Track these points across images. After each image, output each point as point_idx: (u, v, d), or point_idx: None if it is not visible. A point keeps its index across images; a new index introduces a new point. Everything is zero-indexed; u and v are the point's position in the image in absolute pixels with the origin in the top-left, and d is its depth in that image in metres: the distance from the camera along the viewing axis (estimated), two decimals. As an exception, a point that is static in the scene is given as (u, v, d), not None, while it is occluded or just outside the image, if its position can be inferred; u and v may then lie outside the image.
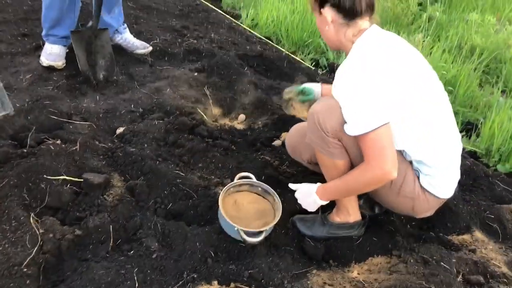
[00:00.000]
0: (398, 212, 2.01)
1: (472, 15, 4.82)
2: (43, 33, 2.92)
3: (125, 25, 3.20)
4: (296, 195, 1.98)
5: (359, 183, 1.75)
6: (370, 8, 1.78)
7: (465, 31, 4.55)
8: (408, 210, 1.90)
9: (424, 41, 4.33)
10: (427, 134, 1.77)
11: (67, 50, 2.94)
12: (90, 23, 2.77)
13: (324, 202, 1.89)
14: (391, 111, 1.67)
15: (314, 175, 2.15)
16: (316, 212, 2.01)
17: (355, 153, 1.78)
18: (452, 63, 3.95)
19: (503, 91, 3.73)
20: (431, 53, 4.07)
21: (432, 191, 1.83)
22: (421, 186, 1.82)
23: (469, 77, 3.76)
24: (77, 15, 2.92)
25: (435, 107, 1.77)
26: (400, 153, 1.80)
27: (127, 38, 3.17)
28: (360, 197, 2.05)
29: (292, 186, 2.00)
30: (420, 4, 5.13)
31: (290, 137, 2.18)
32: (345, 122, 1.71)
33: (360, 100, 1.65)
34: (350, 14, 1.76)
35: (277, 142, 2.51)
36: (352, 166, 1.82)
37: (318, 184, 1.91)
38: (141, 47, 3.18)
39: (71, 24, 2.89)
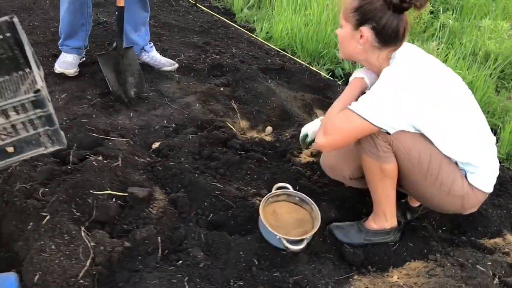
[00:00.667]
0: (445, 211, 2.07)
1: (484, 22, 4.88)
2: (59, 42, 3.11)
3: (152, 43, 3.30)
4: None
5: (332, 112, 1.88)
6: (406, 36, 1.82)
7: (478, 37, 4.62)
8: (457, 208, 1.96)
9: (438, 48, 4.41)
10: (438, 140, 1.84)
11: (83, 59, 3.16)
12: (115, 44, 2.89)
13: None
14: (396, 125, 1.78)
15: (344, 185, 2.22)
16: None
17: (404, 161, 1.84)
18: (467, 69, 4.03)
19: (520, 96, 3.79)
20: (446, 60, 4.14)
21: (480, 187, 1.90)
22: (469, 183, 1.89)
23: (485, 83, 3.83)
24: (89, 28, 3.09)
25: (447, 113, 1.82)
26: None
27: (154, 56, 3.27)
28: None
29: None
30: (431, 12, 5.21)
31: (326, 159, 2.21)
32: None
33: (382, 96, 1.75)
34: (388, 42, 1.80)
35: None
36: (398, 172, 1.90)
37: None
38: (168, 64, 3.28)
39: (84, 36, 3.07)
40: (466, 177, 1.90)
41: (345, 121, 1.78)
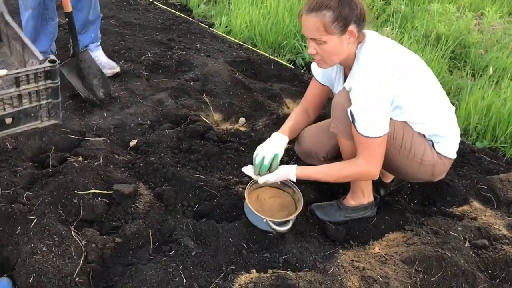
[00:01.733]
0: (417, 180, 2.23)
1: (433, 5, 5.12)
2: None
3: (98, 43, 3.24)
4: (268, 182, 2.07)
5: (343, 172, 2.01)
6: None
7: (429, 21, 4.84)
8: (429, 176, 2.12)
9: (392, 33, 4.59)
10: (408, 120, 1.99)
11: None
12: (72, 51, 2.86)
13: (294, 179, 2.05)
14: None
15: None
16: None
17: None
18: (421, 51, 4.22)
19: (472, 75, 4.02)
20: (401, 44, 4.32)
21: (446, 155, 2.07)
22: (437, 152, 2.05)
23: (439, 63, 4.03)
24: (52, 31, 3.07)
25: (415, 100, 1.95)
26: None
27: (96, 56, 3.18)
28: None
29: (261, 180, 2.04)
30: (382, -1, 5.41)
31: (301, 145, 2.29)
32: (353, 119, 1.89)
33: (377, 107, 1.85)
34: (363, 25, 1.89)
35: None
36: None
37: (295, 166, 2.05)
38: (108, 67, 3.17)
39: (48, 41, 3.06)
40: (433, 147, 2.06)
41: (377, 148, 1.91)
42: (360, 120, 1.86)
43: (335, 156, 2.20)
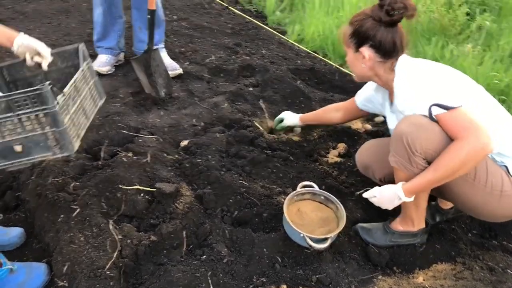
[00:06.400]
0: (498, 219, 1.91)
1: (525, 22, 4.74)
2: (94, 45, 3.27)
3: (163, 44, 3.32)
4: (373, 199, 1.94)
5: (453, 164, 1.64)
6: (407, 46, 1.86)
7: (518, 39, 4.48)
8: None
9: (474, 51, 4.30)
10: None
11: (121, 61, 3.35)
12: (146, 47, 2.95)
13: (409, 199, 1.80)
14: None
15: (374, 184, 2.19)
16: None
17: None
18: (504, 72, 3.91)
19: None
20: (482, 62, 4.04)
21: None
22: None
23: (524, 86, 3.71)
24: (120, 29, 3.22)
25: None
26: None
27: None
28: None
29: (366, 194, 1.96)
30: (467, 14, 5.09)
31: (362, 156, 2.18)
32: (430, 112, 1.72)
33: (438, 85, 1.74)
34: (389, 54, 1.84)
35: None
36: None
37: (400, 183, 1.82)
38: (170, 68, 3.20)
39: (115, 37, 3.22)
40: (509, 172, 1.79)
41: (463, 117, 1.66)
42: (435, 103, 1.70)
43: (392, 180, 1.95)
